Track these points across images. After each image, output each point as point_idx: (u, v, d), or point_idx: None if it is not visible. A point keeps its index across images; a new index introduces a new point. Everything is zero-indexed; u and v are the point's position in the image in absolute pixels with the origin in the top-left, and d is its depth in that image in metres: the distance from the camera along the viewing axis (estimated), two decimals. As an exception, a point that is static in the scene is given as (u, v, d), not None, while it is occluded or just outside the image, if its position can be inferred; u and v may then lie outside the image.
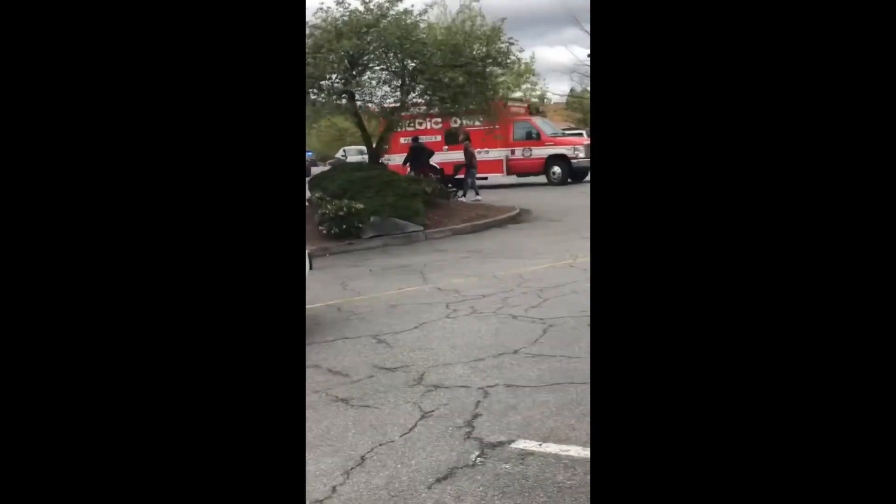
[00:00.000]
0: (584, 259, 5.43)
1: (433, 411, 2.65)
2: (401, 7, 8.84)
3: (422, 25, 9.33)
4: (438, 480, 2.07)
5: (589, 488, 1.76)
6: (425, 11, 9.31)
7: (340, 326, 4.19)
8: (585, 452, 2.05)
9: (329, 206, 7.35)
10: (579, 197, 10.12)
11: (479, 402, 2.71)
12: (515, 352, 3.33)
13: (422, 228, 8.03)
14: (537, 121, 15.26)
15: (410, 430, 2.49)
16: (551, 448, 2.23)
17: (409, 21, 8.84)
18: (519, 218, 9.27)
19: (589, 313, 3.14)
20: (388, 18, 8.57)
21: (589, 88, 26.55)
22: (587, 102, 24.92)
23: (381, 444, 2.38)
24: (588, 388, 2.42)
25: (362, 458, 2.27)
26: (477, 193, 11.59)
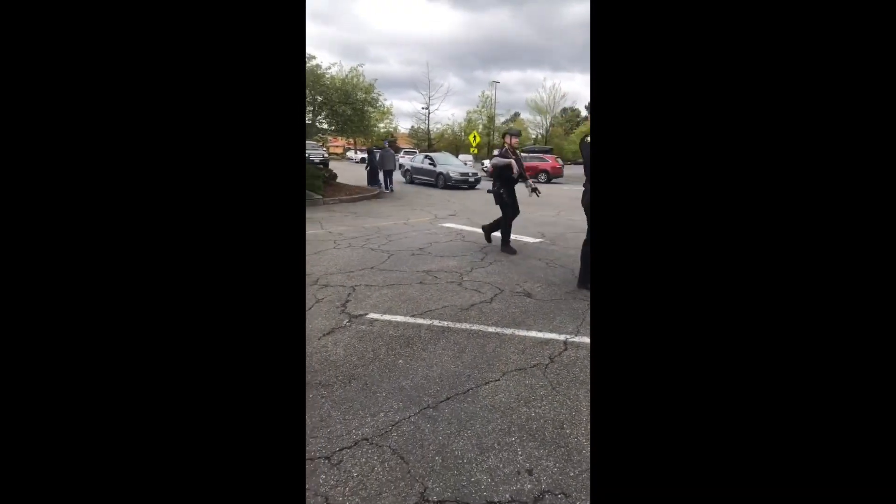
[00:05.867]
0: (415, 220, 9.02)
1: (323, 298, 4.05)
2: (314, 63, 13.68)
3: (327, 75, 14.10)
4: (325, 334, 3.24)
5: (405, 339, 3.13)
6: (330, 67, 13.73)
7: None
8: (405, 319, 3.51)
9: None
10: (414, 186, 15.80)
11: (349, 293, 4.21)
12: (372, 267, 5.20)
13: (321, 197, 11.59)
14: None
15: (309, 308, 3.78)
16: (387, 317, 3.57)
17: (318, 71, 13.70)
18: (379, 196, 13.69)
19: (416, 249, 5.65)
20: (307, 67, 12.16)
21: (423, 127, 43.78)
22: (421, 134, 44.40)
23: (290, 315, 3.72)
24: (409, 287, 4.11)
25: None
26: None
